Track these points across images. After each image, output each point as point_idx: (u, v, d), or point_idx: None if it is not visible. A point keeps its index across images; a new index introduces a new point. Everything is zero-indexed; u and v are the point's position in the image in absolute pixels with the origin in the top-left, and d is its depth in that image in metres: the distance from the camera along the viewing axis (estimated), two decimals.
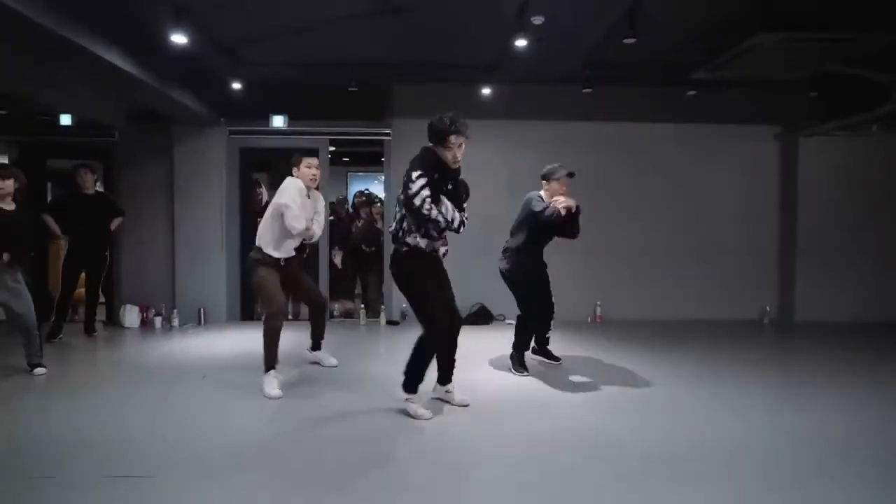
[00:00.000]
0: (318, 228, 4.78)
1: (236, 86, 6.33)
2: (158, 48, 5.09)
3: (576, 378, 4.73)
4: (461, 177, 3.67)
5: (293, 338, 5.78)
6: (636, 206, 7.50)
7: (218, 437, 3.38)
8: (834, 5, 4.48)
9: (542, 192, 4.86)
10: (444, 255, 3.75)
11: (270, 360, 4.33)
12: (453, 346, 3.90)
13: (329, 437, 3.44)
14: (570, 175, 4.76)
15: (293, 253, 4.69)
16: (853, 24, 4.67)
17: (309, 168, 4.73)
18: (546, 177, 4.85)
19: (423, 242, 3.55)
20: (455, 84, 7.00)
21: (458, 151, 3.49)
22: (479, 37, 5.69)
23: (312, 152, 5.10)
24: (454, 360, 3.96)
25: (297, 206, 4.53)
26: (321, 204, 4.89)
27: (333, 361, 5.09)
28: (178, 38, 4.75)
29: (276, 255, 4.53)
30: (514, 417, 3.77)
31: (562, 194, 4.73)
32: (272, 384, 4.24)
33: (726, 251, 7.67)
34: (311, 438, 3.42)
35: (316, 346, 5.13)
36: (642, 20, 4.77)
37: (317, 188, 4.85)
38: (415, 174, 3.40)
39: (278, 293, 4.49)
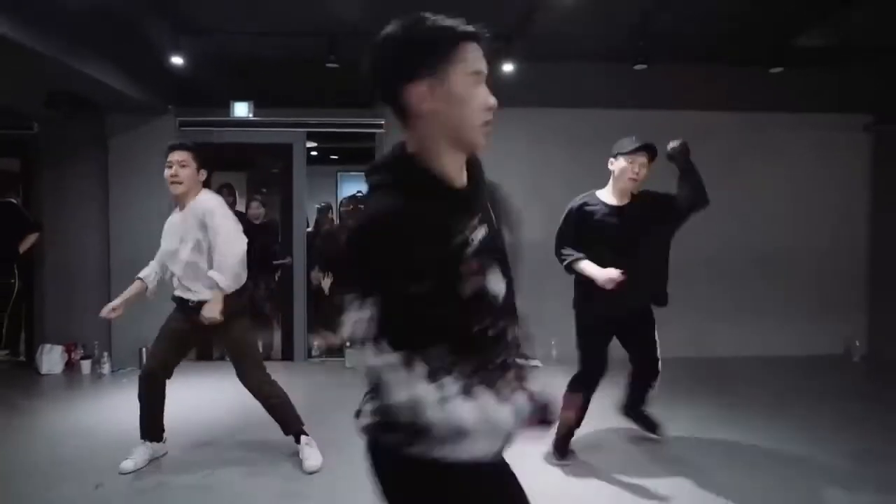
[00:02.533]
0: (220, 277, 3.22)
1: (178, 61, 4.80)
2: (64, 10, 3.58)
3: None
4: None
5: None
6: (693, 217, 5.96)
7: None
8: None
9: (596, 191, 3.38)
10: None
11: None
12: None
13: None
14: (646, 149, 3.26)
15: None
16: None
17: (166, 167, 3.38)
18: (615, 153, 3.35)
19: None
20: None
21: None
22: None
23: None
24: None
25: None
26: (190, 225, 3.34)
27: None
28: None
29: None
30: None
31: (633, 179, 3.24)
32: None
33: (802, 268, 6.16)
34: None
35: None
36: None
37: (180, 195, 3.43)
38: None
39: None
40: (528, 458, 3.38)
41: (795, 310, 6.14)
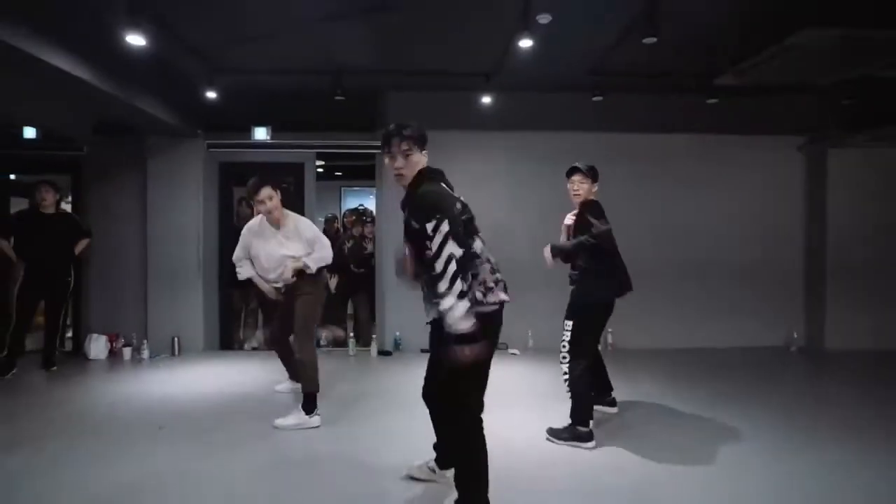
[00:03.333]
0: (312, 262, 4.25)
1: (212, 95, 5.74)
2: (121, 53, 4.52)
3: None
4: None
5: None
6: (649, 225, 6.85)
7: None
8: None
9: None
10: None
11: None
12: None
13: None
14: (572, 172, 4.05)
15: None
16: None
17: (258, 204, 4.24)
18: None
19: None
20: (452, 92, 6.44)
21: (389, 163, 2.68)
22: (479, 38, 5.12)
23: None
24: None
25: (239, 256, 4.47)
26: (288, 234, 4.30)
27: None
28: (136, 40, 4.16)
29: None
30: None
31: (575, 195, 4.04)
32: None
33: (748, 272, 7.07)
34: None
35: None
36: (664, 17, 4.19)
37: (276, 218, 4.30)
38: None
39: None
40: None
41: (741, 307, 7.03)
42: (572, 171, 4.05)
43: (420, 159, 2.65)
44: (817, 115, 6.82)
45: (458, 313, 2.30)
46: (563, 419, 3.87)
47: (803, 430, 4.06)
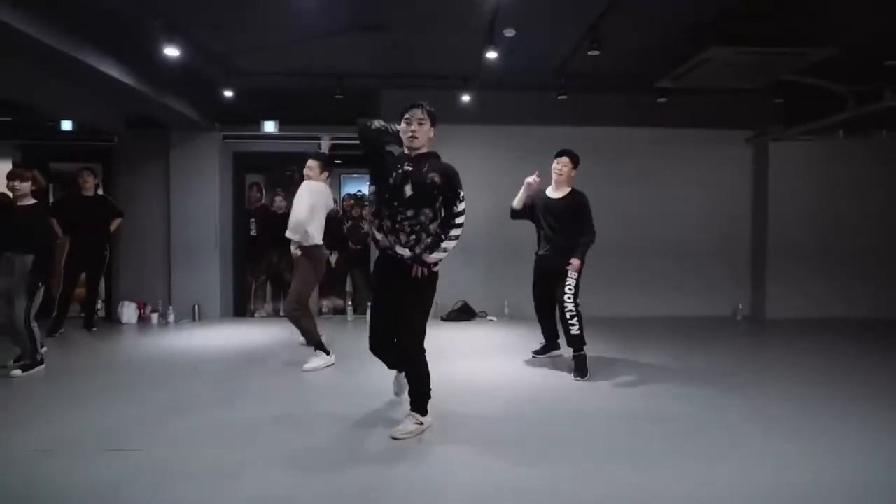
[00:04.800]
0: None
1: (228, 94, 6.65)
2: (154, 60, 5.43)
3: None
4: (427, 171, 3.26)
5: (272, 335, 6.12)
6: (611, 208, 7.71)
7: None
8: (785, 20, 4.81)
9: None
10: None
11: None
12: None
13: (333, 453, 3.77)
14: (560, 154, 5.02)
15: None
16: (806, 37, 4.99)
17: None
18: None
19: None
20: (438, 90, 7.33)
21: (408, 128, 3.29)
22: (456, 49, 6.02)
23: (301, 157, 5.46)
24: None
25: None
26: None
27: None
28: (172, 52, 5.08)
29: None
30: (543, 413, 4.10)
31: (557, 173, 4.98)
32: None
33: (701, 251, 7.99)
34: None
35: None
36: (606, 34, 5.09)
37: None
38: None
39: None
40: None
41: (694, 282, 7.96)
42: (563, 153, 4.95)
43: (430, 132, 3.29)
44: (759, 111, 7.70)
45: (446, 253, 3.28)
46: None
47: (736, 380, 5.02)
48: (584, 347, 4.80)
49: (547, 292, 5.09)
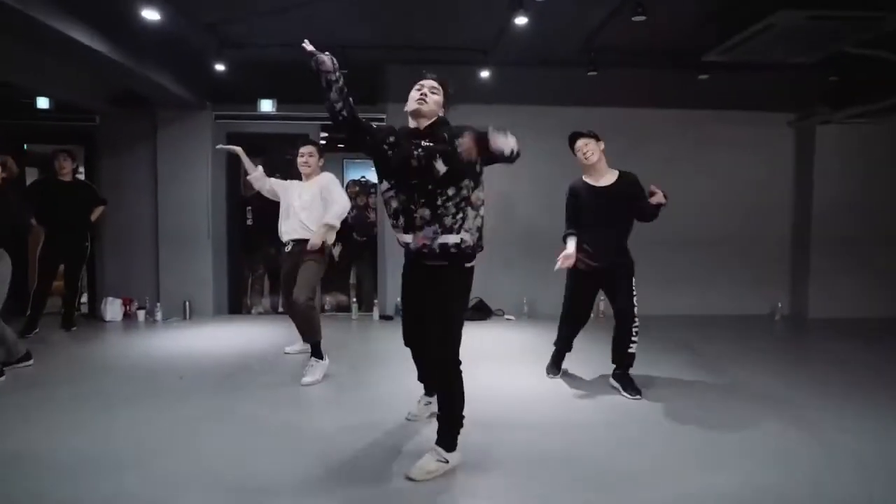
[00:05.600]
0: (330, 219, 4.51)
1: (220, 67, 5.97)
2: (132, 26, 4.75)
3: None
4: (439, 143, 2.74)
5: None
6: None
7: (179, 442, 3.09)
8: None
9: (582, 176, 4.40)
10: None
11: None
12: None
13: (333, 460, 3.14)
14: (575, 136, 4.28)
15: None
16: (877, 2, 4.32)
17: (299, 157, 4.79)
18: None
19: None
20: (452, 66, 6.64)
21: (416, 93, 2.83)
22: (476, 15, 5.34)
23: (301, 139, 4.84)
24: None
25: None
26: (310, 185, 4.66)
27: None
28: (151, 15, 4.41)
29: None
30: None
31: (584, 157, 4.23)
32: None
33: (735, 244, 7.34)
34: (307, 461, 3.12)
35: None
36: None
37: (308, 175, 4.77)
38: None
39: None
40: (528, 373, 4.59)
41: (728, 277, 7.32)
42: (578, 135, 4.22)
43: (439, 102, 2.86)
44: (806, 92, 7.02)
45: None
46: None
47: (783, 390, 4.38)
48: None
49: (590, 305, 4.46)
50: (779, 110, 7.24)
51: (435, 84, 2.85)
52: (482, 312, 6.95)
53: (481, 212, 2.85)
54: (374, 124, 3.06)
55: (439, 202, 2.72)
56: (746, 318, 7.11)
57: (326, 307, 7.18)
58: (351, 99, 2.80)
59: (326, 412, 3.75)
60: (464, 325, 2.92)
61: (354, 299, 7.22)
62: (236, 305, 7.35)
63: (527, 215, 7.04)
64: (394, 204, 2.83)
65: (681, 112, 7.14)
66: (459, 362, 2.88)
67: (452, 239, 2.76)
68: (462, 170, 2.69)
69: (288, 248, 4.66)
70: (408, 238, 2.82)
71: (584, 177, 4.34)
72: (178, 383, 4.29)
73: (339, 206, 4.51)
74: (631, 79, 6.85)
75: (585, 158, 4.21)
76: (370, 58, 6.58)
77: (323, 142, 9.58)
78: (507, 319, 6.94)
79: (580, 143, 4.24)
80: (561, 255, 4.12)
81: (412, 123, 2.85)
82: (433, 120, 2.83)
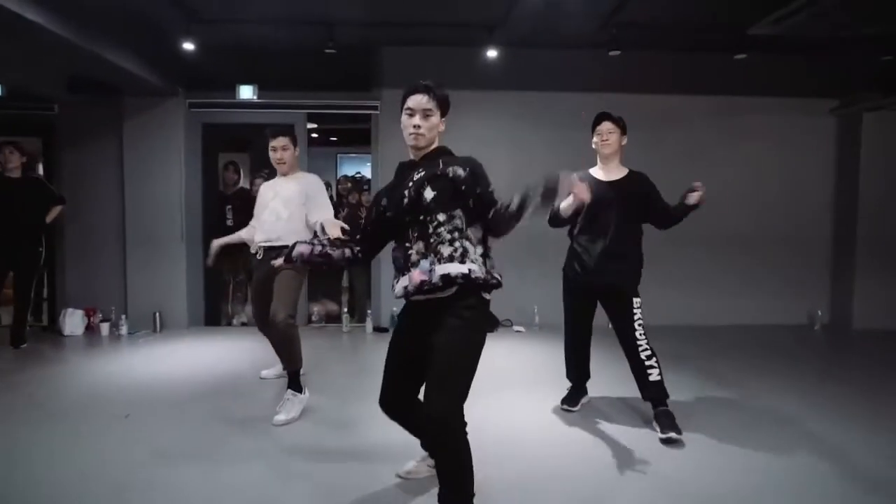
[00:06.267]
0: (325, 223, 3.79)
1: (189, 47, 5.22)
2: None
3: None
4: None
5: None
6: (664, 194, 6.36)
7: None
8: None
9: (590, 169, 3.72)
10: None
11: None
12: None
13: None
14: (603, 117, 3.60)
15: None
16: None
17: (272, 152, 3.96)
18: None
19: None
20: (453, 47, 5.90)
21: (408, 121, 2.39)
22: None
23: (271, 128, 4.05)
24: None
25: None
26: (291, 190, 3.89)
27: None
28: None
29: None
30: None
31: (604, 142, 3.55)
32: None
33: (770, 245, 6.58)
34: None
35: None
36: None
37: (286, 171, 4.00)
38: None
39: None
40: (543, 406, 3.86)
41: (761, 282, 6.56)
42: (605, 116, 3.57)
43: (439, 125, 2.44)
44: (851, 75, 6.27)
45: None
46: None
47: (827, 414, 3.63)
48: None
49: (587, 321, 3.73)
50: (818, 95, 6.48)
51: (428, 105, 2.37)
52: (489, 323, 6.17)
53: (481, 250, 2.35)
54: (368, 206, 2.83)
55: (430, 230, 2.28)
56: (781, 329, 6.36)
57: (314, 317, 6.43)
58: (347, 250, 2.52)
59: (300, 465, 3.00)
60: (476, 368, 2.24)
61: (346, 309, 6.45)
62: (214, 316, 6.60)
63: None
64: (395, 254, 2.39)
65: (708, 99, 6.40)
66: (465, 423, 2.24)
67: (456, 269, 2.23)
68: (452, 197, 2.29)
69: (259, 256, 3.89)
70: (404, 282, 2.30)
71: (592, 169, 3.67)
72: (126, 422, 3.54)
73: (324, 217, 3.77)
74: (653, 61, 6.12)
75: (602, 146, 3.56)
76: (362, 36, 5.83)
77: (314, 135, 8.91)
78: (517, 331, 6.20)
79: (606, 125, 3.58)
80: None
81: (410, 154, 2.46)
82: (431, 149, 2.43)
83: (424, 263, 2.25)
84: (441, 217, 2.27)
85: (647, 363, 3.43)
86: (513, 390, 4.16)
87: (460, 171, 2.30)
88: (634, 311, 3.49)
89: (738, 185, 6.51)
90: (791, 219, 6.61)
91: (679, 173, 6.28)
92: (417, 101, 2.36)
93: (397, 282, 2.35)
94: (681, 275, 6.43)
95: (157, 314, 6.06)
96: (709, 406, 3.88)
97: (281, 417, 3.47)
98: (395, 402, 2.52)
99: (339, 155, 10.80)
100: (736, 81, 6.22)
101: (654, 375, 3.43)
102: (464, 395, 2.19)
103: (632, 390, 3.63)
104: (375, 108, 6.27)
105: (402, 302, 2.43)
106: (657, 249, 3.81)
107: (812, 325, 6.49)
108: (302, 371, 3.94)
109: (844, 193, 6.54)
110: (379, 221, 2.45)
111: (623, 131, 3.61)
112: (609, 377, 4.21)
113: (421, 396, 2.28)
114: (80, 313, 5.97)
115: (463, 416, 2.21)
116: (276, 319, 3.56)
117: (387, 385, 2.52)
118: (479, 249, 2.33)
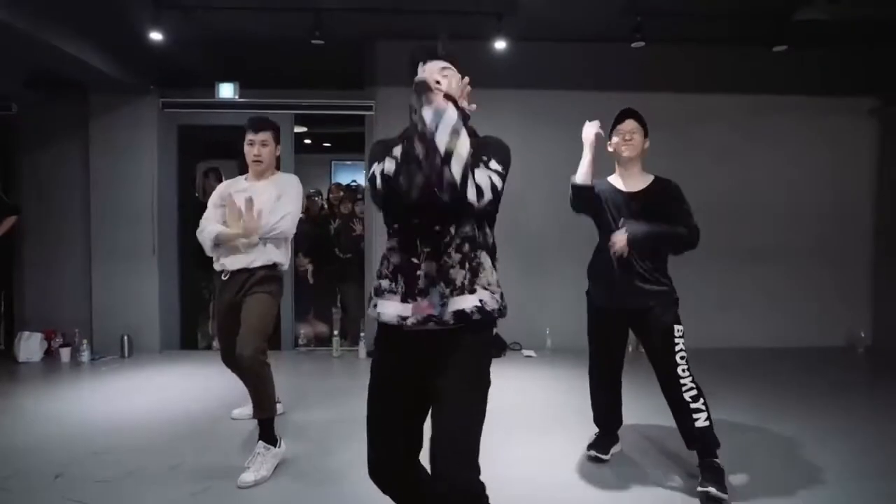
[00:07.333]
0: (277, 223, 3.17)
1: (157, 37, 4.63)
2: None
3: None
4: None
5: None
6: (690, 200, 5.76)
7: None
8: None
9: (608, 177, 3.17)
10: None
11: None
12: None
13: None
14: (626, 115, 3.09)
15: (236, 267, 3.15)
16: None
17: (249, 146, 3.26)
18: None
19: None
20: (455, 41, 5.30)
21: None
22: None
23: (251, 121, 3.42)
24: None
25: (210, 211, 3.24)
26: (267, 193, 3.21)
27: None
28: None
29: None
30: None
31: (626, 143, 3.03)
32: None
33: (803, 257, 5.96)
34: None
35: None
36: None
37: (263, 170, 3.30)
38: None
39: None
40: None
41: (795, 300, 5.94)
42: (628, 113, 3.06)
43: (460, 87, 1.98)
44: (892, 71, 5.69)
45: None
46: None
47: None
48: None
49: (618, 353, 3.15)
50: (857, 94, 5.89)
51: (445, 64, 1.98)
52: (495, 348, 5.53)
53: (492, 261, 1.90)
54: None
55: (444, 242, 1.79)
56: (818, 352, 5.72)
57: (301, 340, 5.79)
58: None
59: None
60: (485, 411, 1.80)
61: (336, 332, 5.81)
62: (191, 338, 5.97)
63: (544, 222, 5.68)
64: (393, 259, 1.85)
65: (736, 98, 5.82)
66: (484, 486, 1.73)
67: (469, 302, 1.77)
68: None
69: (225, 277, 3.22)
70: (401, 309, 1.79)
71: (610, 177, 3.14)
72: (56, 482, 2.89)
73: (287, 216, 3.17)
74: (677, 56, 5.55)
75: (624, 147, 3.02)
76: (353, 26, 5.24)
77: (306, 140, 8.28)
78: (527, 357, 5.56)
79: (629, 124, 3.05)
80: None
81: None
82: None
83: (435, 294, 1.76)
84: (451, 228, 1.79)
85: (692, 405, 2.82)
86: (527, 432, 3.53)
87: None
88: (676, 340, 2.90)
89: (769, 193, 5.93)
90: (827, 229, 6.00)
91: (705, 179, 5.77)
92: (432, 64, 1.98)
93: (383, 300, 1.84)
94: (702, 289, 5.77)
95: (126, 337, 5.43)
96: (765, 452, 3.25)
97: (248, 478, 2.81)
98: (395, 474, 1.92)
99: (333, 162, 10.19)
100: (767, 79, 5.68)
101: (701, 421, 2.81)
102: (478, 450, 1.75)
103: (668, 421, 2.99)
104: (370, 108, 5.67)
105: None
106: (685, 264, 3.23)
107: (854, 347, 5.85)
108: (280, 409, 3.32)
109: (887, 202, 5.94)
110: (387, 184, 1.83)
111: (646, 133, 3.09)
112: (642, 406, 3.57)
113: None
114: (38, 337, 5.34)
115: (478, 465, 1.74)
116: (242, 355, 2.92)
117: (380, 451, 1.90)
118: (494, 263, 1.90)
